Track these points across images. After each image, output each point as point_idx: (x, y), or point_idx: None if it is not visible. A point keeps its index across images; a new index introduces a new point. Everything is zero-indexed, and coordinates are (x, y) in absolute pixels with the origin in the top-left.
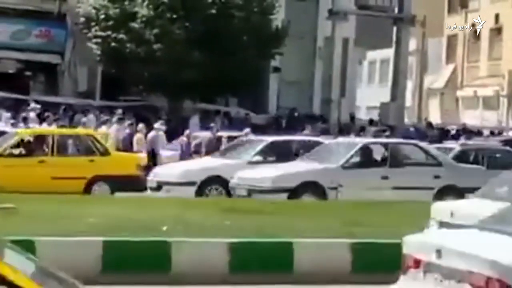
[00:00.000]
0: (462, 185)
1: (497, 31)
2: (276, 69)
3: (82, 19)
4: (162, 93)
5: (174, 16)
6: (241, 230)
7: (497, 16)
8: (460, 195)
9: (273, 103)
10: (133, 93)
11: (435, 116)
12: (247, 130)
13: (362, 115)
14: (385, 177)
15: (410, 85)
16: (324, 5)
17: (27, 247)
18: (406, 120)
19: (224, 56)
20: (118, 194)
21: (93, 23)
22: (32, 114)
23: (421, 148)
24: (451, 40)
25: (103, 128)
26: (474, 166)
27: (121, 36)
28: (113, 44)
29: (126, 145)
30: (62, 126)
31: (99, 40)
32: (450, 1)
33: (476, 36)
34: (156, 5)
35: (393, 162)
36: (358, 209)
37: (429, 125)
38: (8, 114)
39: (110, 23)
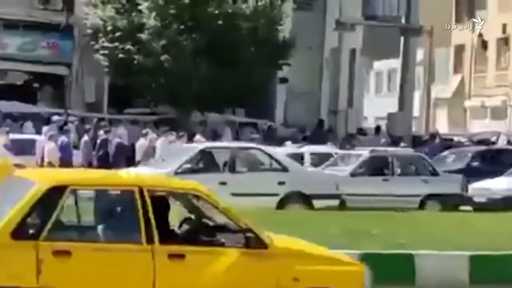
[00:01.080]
0: (309, 191)
1: (504, 41)
2: (283, 80)
3: (89, 31)
4: (170, 104)
5: (182, 27)
6: None
7: (504, 26)
8: (307, 202)
9: (280, 114)
10: (141, 104)
11: (442, 126)
12: (289, 143)
13: (370, 126)
14: (223, 183)
15: (417, 95)
16: (331, 16)
17: None
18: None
19: (231, 66)
20: None
21: (100, 35)
22: (71, 127)
23: (265, 153)
24: (458, 50)
25: (141, 141)
26: (326, 172)
27: (129, 47)
28: (120, 55)
29: None
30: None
31: (106, 51)
32: (457, 11)
33: (483, 46)
34: (163, 16)
35: (234, 167)
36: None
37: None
38: (48, 127)
39: (118, 34)
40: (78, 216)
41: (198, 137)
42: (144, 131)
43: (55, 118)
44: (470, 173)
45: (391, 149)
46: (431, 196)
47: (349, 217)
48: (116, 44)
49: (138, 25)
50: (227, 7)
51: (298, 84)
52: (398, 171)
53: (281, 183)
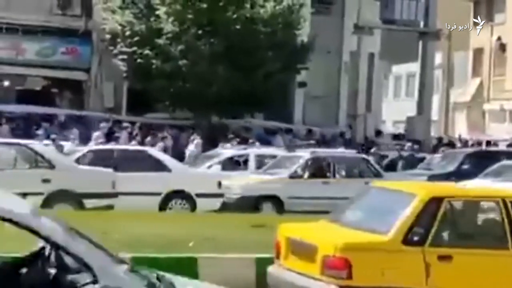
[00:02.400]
0: (81, 190)
1: None
2: (302, 84)
3: (107, 36)
4: (188, 109)
5: (200, 32)
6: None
7: None
8: (76, 201)
9: (299, 118)
10: (159, 109)
11: (461, 130)
12: (342, 149)
13: (389, 130)
14: None
15: (436, 99)
16: (349, 20)
17: None
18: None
19: (249, 71)
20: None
21: (118, 40)
22: (124, 133)
23: (31, 149)
24: (477, 54)
25: (191, 147)
26: (100, 169)
27: (147, 52)
28: (139, 60)
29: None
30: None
31: (125, 56)
32: (476, 15)
33: (502, 49)
34: (181, 21)
35: None
36: None
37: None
38: (98, 133)
39: (136, 39)
40: (454, 224)
41: (257, 145)
42: (192, 137)
43: (102, 124)
44: (461, 175)
45: (333, 150)
46: None
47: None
48: (135, 49)
49: (156, 30)
50: (245, 11)
51: (317, 88)
52: (340, 173)
53: (46, 180)
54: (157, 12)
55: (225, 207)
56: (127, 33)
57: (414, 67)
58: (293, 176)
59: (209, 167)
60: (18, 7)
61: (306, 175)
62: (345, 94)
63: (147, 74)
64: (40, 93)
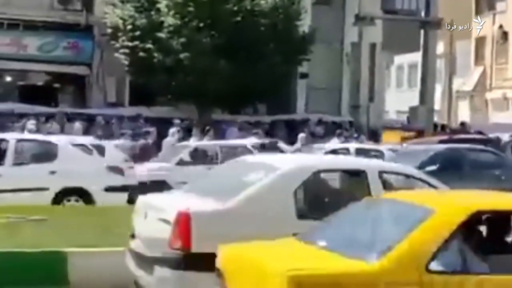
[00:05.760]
0: None
1: None
2: (304, 75)
3: (109, 30)
4: (191, 102)
5: (200, 25)
6: None
7: None
8: None
9: (301, 109)
10: (161, 103)
11: (464, 119)
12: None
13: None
14: None
15: (439, 88)
16: (350, 11)
17: (58, 258)
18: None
19: (251, 63)
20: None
21: (120, 34)
22: (194, 131)
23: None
24: (479, 42)
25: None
26: None
27: (148, 46)
28: (140, 54)
29: None
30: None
31: (126, 50)
32: (478, 3)
33: (504, 37)
34: (182, 14)
35: None
36: None
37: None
38: (174, 129)
39: (137, 33)
40: None
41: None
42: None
43: (176, 121)
44: None
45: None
46: None
47: None
48: (136, 43)
49: (157, 24)
50: (246, 3)
51: (319, 79)
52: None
53: None
54: (158, 6)
55: None
56: (128, 27)
57: (416, 57)
58: None
59: None
60: (19, 3)
61: None
62: (347, 85)
63: (148, 68)
64: (42, 88)
